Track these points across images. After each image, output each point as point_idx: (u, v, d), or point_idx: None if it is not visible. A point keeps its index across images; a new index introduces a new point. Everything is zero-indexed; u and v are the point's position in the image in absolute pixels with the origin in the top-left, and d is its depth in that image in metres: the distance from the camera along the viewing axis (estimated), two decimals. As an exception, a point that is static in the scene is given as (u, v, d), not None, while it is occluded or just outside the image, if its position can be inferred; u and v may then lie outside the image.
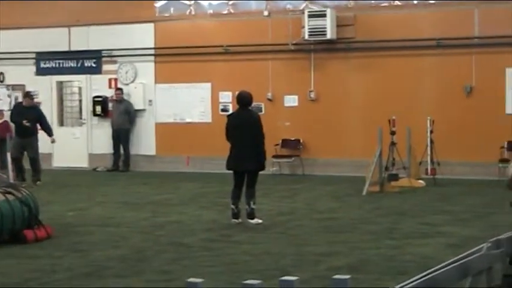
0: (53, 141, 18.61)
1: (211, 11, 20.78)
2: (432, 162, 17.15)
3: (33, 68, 22.70)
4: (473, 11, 18.31)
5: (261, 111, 19.19)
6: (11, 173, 17.03)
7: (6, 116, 22.03)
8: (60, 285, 8.24)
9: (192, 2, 20.95)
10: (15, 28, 22.19)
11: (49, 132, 18.31)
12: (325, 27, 19.04)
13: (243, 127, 12.05)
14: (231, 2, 20.55)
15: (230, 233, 11.34)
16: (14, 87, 22.92)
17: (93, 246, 10.36)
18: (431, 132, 17.22)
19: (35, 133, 17.93)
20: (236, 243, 10.61)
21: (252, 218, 12.09)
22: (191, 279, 4.40)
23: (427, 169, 17.23)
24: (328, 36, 19.06)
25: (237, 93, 12.71)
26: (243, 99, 12.30)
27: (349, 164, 18.79)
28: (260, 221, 12.13)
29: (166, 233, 11.47)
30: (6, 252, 10.04)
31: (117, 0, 21.15)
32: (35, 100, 20.32)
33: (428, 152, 17.17)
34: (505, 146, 17.91)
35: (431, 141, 17.18)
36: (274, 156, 19.08)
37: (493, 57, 18.16)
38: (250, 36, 20.12)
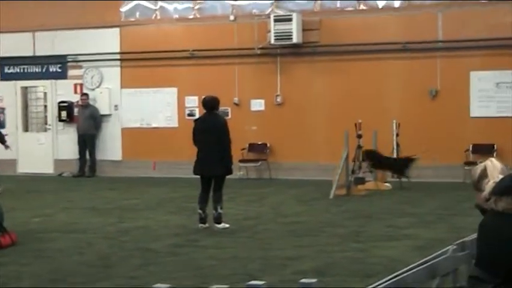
0: (7, 148, 18.27)
1: (176, 16, 20.75)
2: (398, 165, 17.25)
3: (-3, 73, 22.51)
4: (437, 15, 18.46)
5: (228, 115, 19.18)
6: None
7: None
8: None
9: (158, 6, 20.91)
10: (-21, 33, 21.98)
11: (1, 139, 18.04)
12: (291, 32, 19.08)
13: (210, 132, 12.03)
14: (196, 7, 20.53)
15: (197, 238, 11.31)
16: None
17: (58, 253, 10.27)
18: (397, 135, 17.32)
19: None
20: (203, 248, 10.58)
21: (219, 223, 12.07)
22: (158, 285, 4.38)
23: (393, 172, 17.32)
24: (294, 40, 19.10)
25: (202, 97, 12.71)
26: (209, 104, 12.29)
27: (315, 167, 18.84)
28: (227, 225, 12.11)
29: (132, 238, 11.40)
30: (-30, 259, 9.93)
31: (83, 1, 21.01)
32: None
33: (395, 155, 17.26)
34: (470, 148, 18.08)
35: (398, 144, 17.28)
36: (241, 161, 19.08)
37: (457, 60, 18.33)
38: (216, 41, 20.10)
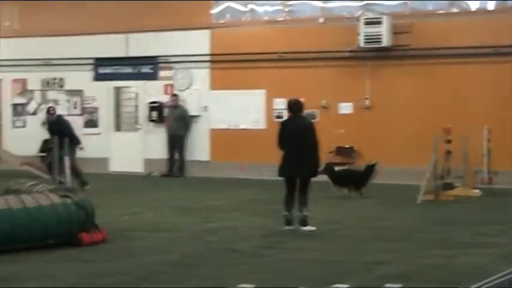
0: (81, 149, 18.63)
1: (266, 18, 20.85)
2: (489, 171, 16.92)
3: (92, 74, 23.03)
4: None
5: (315, 118, 19.16)
6: (68, 177, 17.29)
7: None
8: (113, 289, 8.35)
9: (248, 8, 21.05)
10: (75, 34, 22.57)
11: (77, 141, 18.41)
12: (380, 35, 18.96)
13: (297, 134, 12.04)
14: (286, 9, 20.59)
15: (282, 240, 11.34)
16: (73, 92, 23.28)
17: (146, 251, 10.46)
18: (488, 141, 16.98)
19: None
20: (288, 250, 10.61)
21: (305, 225, 12.07)
22: (242, 285, 4.44)
23: (483, 178, 17.00)
24: (384, 43, 18.98)
25: (288, 100, 12.73)
26: (295, 106, 12.32)
27: (402, 172, 18.60)
28: (313, 228, 12.10)
29: (218, 238, 11.51)
30: (63, 255, 10.19)
31: (174, 4, 21.35)
32: (93, 104, 20.89)
33: (485, 161, 16.93)
34: None
35: (489, 151, 16.93)
36: (328, 164, 18.98)
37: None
38: (305, 43, 20.12)
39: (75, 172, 17.91)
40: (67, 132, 18.27)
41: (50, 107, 19.57)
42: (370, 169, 16.53)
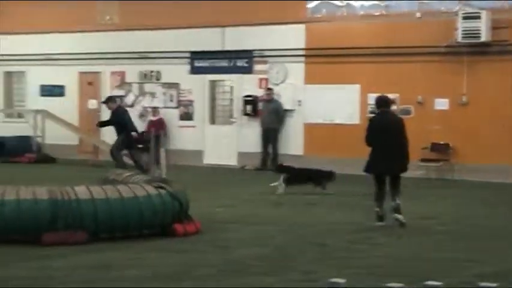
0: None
1: (362, 13, 20.73)
2: None
3: (188, 67, 23.35)
4: None
5: (410, 113, 18.96)
6: (164, 168, 17.58)
7: (162, 113, 22.88)
8: (207, 280, 8.46)
9: (344, 3, 20.97)
10: (172, 28, 22.93)
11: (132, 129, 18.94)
12: (479, 30, 18.61)
13: (386, 130, 11.98)
14: (383, 4, 20.42)
15: (374, 236, 11.30)
16: (169, 85, 23.66)
17: (239, 243, 10.56)
18: None
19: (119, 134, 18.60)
20: (379, 245, 10.56)
21: (399, 213, 11.97)
22: (334, 280, 4.45)
23: None
24: (483, 38, 18.62)
25: (377, 96, 12.70)
26: (383, 101, 12.29)
27: (499, 169, 18.26)
28: (404, 220, 11.99)
29: (310, 232, 11.54)
30: (157, 244, 10.39)
31: (270, 0, 21.46)
32: (189, 97, 21.20)
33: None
34: None
35: None
36: (422, 160, 18.80)
37: None
38: (401, 38, 19.92)
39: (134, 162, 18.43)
40: (122, 123, 18.60)
41: (108, 97, 20.15)
42: (329, 174, 16.23)
